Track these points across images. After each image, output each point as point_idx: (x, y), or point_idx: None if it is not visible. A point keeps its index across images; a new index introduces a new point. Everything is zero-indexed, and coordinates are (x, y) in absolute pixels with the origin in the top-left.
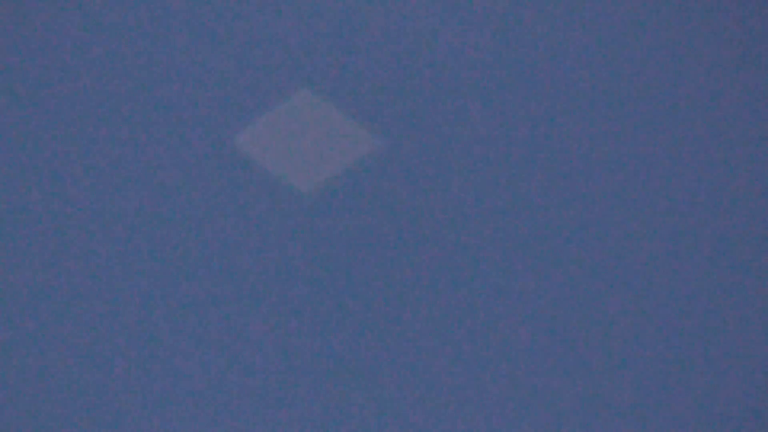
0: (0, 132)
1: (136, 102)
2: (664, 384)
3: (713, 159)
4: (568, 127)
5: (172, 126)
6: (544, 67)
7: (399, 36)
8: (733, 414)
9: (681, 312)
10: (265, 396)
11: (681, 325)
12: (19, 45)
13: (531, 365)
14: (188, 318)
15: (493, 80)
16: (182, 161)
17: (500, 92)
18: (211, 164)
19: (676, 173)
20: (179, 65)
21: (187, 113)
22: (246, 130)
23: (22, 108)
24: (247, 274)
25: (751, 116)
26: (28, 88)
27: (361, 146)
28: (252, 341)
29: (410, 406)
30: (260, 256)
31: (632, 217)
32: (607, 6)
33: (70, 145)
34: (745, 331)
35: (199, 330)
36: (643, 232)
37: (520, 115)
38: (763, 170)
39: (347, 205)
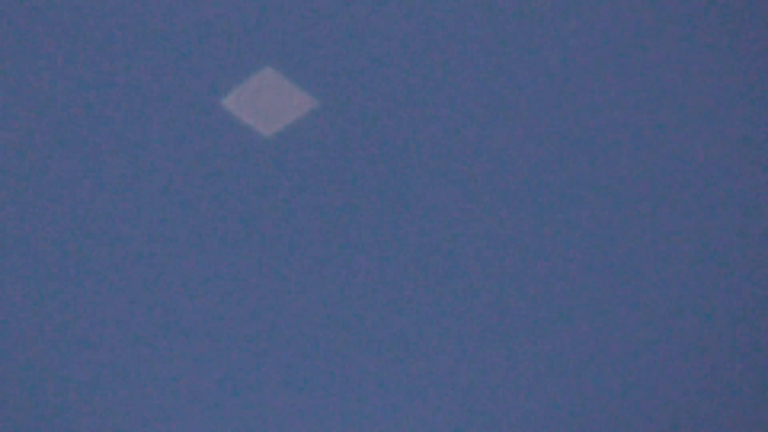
0: None
1: (148, 68)
2: (662, 384)
3: (705, 158)
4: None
5: (177, 90)
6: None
7: (350, 31)
8: (732, 413)
9: (677, 311)
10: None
11: (678, 325)
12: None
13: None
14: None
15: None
16: (183, 114)
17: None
18: (206, 115)
19: (665, 170)
20: (182, 49)
21: (190, 81)
22: (230, 93)
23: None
24: (222, 192)
25: (751, 116)
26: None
27: (305, 105)
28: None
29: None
30: (233, 178)
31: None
32: None
33: (68, 105)
34: (745, 331)
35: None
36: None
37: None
38: (763, 170)
39: (296, 144)
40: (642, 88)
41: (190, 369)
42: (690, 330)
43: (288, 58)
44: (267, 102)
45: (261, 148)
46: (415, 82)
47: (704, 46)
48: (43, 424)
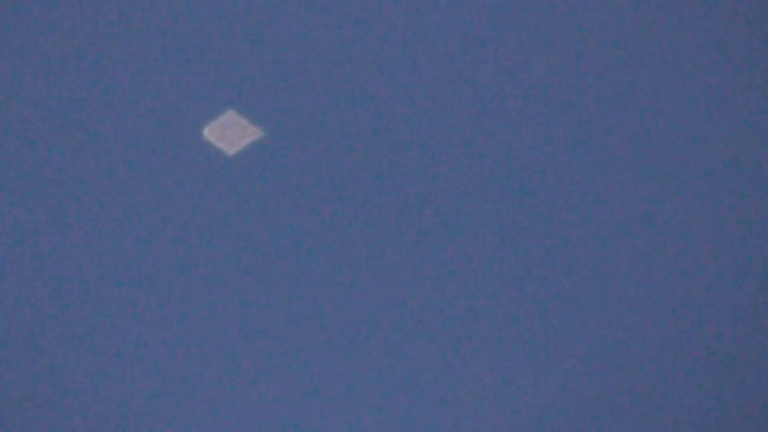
0: None
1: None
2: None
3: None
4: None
5: (170, 124)
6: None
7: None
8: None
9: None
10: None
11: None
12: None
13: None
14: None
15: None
16: (170, 143)
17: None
18: (189, 141)
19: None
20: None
21: (176, 115)
22: (208, 125)
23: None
24: (192, 198)
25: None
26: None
27: (254, 133)
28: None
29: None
30: (203, 186)
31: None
32: None
33: (70, 126)
34: (746, 333)
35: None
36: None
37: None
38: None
39: (252, 160)
40: (647, 91)
41: (181, 378)
42: (690, 331)
43: (245, 100)
44: (230, 132)
45: (225, 164)
46: (350, 113)
47: (706, 46)
48: (44, 424)
